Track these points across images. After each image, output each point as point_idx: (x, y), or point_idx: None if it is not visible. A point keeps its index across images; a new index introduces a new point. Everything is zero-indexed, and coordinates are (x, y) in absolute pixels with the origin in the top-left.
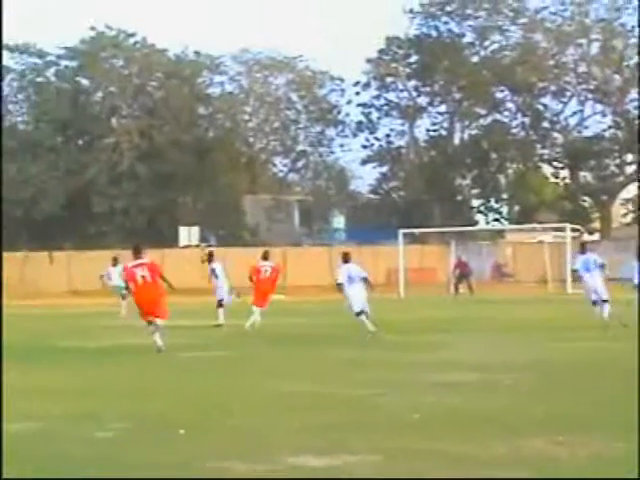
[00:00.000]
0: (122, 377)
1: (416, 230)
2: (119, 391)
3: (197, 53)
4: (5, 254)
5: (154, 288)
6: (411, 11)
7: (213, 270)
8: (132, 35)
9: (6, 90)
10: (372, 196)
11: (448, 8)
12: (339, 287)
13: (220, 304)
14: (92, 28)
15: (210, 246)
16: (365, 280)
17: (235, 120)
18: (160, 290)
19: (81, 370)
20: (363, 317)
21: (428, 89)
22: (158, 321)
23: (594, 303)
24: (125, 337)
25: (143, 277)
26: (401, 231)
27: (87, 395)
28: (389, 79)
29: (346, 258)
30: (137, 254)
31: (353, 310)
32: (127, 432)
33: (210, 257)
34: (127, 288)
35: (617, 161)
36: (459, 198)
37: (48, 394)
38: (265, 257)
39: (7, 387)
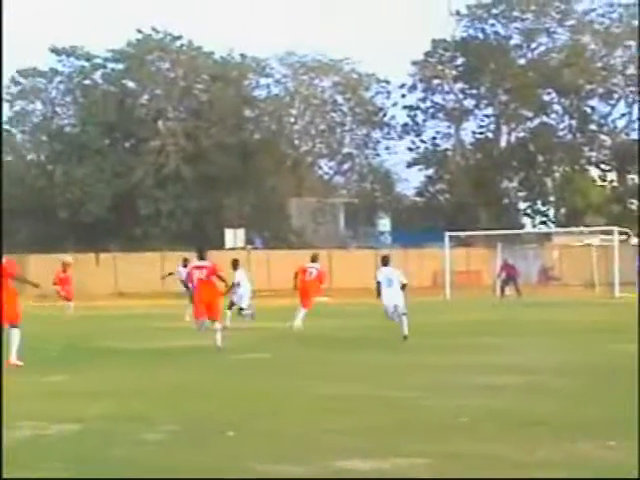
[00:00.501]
0: (171, 379)
1: (462, 233)
2: (168, 393)
3: (243, 55)
4: (52, 256)
5: (211, 290)
6: (457, 13)
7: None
8: (178, 38)
9: (53, 93)
10: (418, 199)
11: (495, 10)
12: (377, 288)
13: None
14: (139, 31)
15: (255, 249)
16: (404, 286)
17: (281, 122)
18: (217, 292)
19: (130, 372)
20: (401, 319)
21: (474, 91)
22: (216, 324)
23: None
24: (173, 339)
25: (200, 279)
26: (447, 234)
27: (136, 397)
28: (435, 81)
29: (385, 261)
30: (200, 256)
31: (390, 312)
32: (176, 434)
33: (235, 264)
34: (187, 288)
35: None
36: (505, 201)
37: (98, 395)
38: (314, 259)
39: (58, 389)
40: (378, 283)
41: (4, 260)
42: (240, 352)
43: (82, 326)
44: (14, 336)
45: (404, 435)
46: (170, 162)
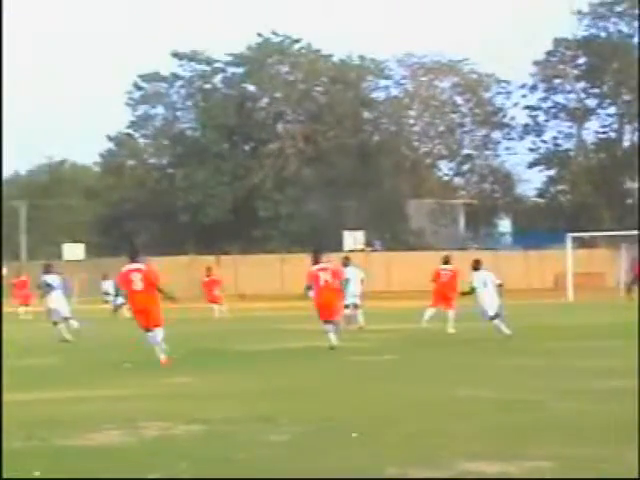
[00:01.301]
0: (294, 380)
1: (585, 234)
2: (292, 394)
3: (362, 57)
4: (172, 258)
5: (333, 291)
6: (579, 12)
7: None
8: (297, 41)
9: (174, 97)
10: (539, 200)
11: (618, 8)
12: (472, 292)
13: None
14: (259, 35)
15: (375, 250)
16: (500, 286)
17: (400, 124)
18: (337, 293)
19: (254, 373)
20: (498, 321)
21: (597, 90)
22: (334, 323)
23: None
24: (296, 340)
25: (326, 281)
26: (569, 235)
27: (261, 398)
28: (557, 81)
29: (476, 265)
30: (317, 259)
31: (487, 315)
32: (301, 436)
33: (345, 261)
34: (309, 289)
35: None
36: (629, 201)
37: (222, 397)
38: (446, 262)
39: (184, 390)
40: (473, 288)
41: (144, 266)
42: (364, 354)
43: (205, 328)
44: (161, 336)
45: (531, 438)
46: (289, 165)
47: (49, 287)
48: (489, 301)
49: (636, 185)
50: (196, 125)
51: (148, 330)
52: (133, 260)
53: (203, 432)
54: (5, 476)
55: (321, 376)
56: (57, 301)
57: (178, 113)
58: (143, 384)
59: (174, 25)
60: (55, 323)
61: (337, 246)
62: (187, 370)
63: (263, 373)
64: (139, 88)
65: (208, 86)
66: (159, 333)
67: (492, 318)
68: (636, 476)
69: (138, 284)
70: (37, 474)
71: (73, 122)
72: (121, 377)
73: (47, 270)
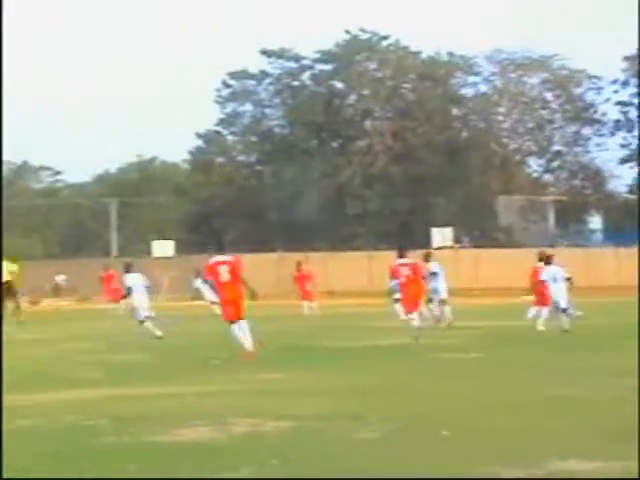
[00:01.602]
0: (384, 377)
1: None
2: (381, 391)
3: (450, 54)
4: (260, 255)
5: (416, 286)
6: None
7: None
8: (386, 38)
9: (263, 94)
10: (630, 196)
11: None
12: (541, 285)
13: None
14: (347, 32)
15: (463, 247)
16: (569, 280)
17: (489, 121)
18: (420, 289)
19: (343, 370)
20: (564, 316)
21: None
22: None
23: None
24: (384, 337)
25: (407, 276)
26: None
27: (350, 395)
28: None
29: (548, 260)
30: (401, 255)
31: (560, 307)
32: (391, 433)
33: (427, 257)
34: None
35: None
36: None
37: (312, 393)
38: (541, 259)
39: (274, 386)
40: (542, 281)
41: (230, 257)
42: (451, 351)
43: (295, 325)
44: (247, 327)
45: (621, 437)
46: (377, 162)
47: (129, 289)
48: (560, 294)
49: None
50: (284, 122)
51: (233, 322)
52: (220, 253)
53: (293, 429)
54: (5, 476)
55: (409, 373)
56: (138, 300)
57: (266, 110)
58: (232, 380)
59: (263, 23)
60: (142, 322)
61: (425, 243)
62: (276, 366)
63: (352, 370)
64: (228, 86)
65: (296, 83)
66: (245, 324)
67: (564, 310)
68: (636, 476)
69: (225, 275)
70: (132, 468)
71: (163, 120)
72: (210, 373)
73: (127, 269)
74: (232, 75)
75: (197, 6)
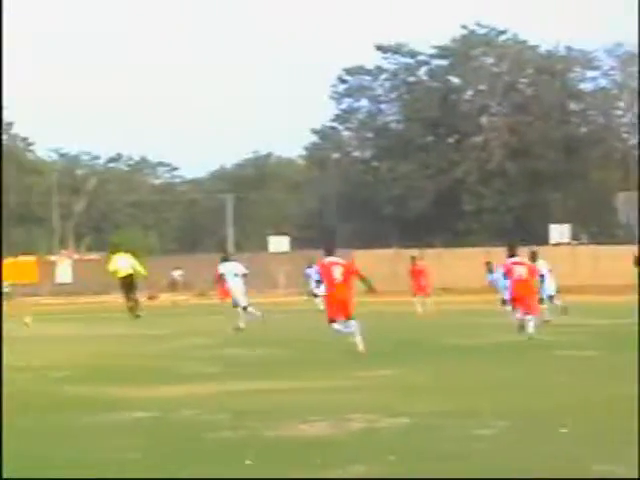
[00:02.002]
0: (498, 374)
1: None
2: (496, 388)
3: (569, 48)
4: (376, 251)
5: (528, 285)
6: None
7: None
8: (503, 32)
9: (379, 90)
10: None
11: None
12: None
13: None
14: (463, 27)
15: (581, 244)
16: None
17: (608, 115)
18: (532, 287)
19: (458, 367)
20: None
21: None
22: (529, 317)
23: None
24: (498, 334)
25: (520, 274)
26: None
27: (465, 392)
28: None
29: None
30: (512, 253)
31: None
32: (508, 430)
33: (533, 256)
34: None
35: None
36: None
37: (427, 390)
38: None
39: (389, 383)
40: None
41: (342, 260)
42: (568, 348)
43: (409, 321)
44: (357, 326)
45: None
46: (494, 157)
47: (222, 275)
48: None
49: None
50: (400, 118)
51: (334, 321)
52: (329, 254)
53: (408, 425)
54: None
55: (523, 370)
56: (233, 288)
57: (382, 106)
58: (347, 376)
59: (379, 18)
60: (244, 308)
61: (543, 240)
62: (391, 363)
63: (466, 366)
64: (343, 81)
65: (412, 79)
66: (354, 324)
67: None
68: (636, 476)
69: (338, 276)
70: (248, 462)
71: (279, 116)
72: (325, 369)
73: (224, 259)
74: (348, 71)
75: (313, 2)
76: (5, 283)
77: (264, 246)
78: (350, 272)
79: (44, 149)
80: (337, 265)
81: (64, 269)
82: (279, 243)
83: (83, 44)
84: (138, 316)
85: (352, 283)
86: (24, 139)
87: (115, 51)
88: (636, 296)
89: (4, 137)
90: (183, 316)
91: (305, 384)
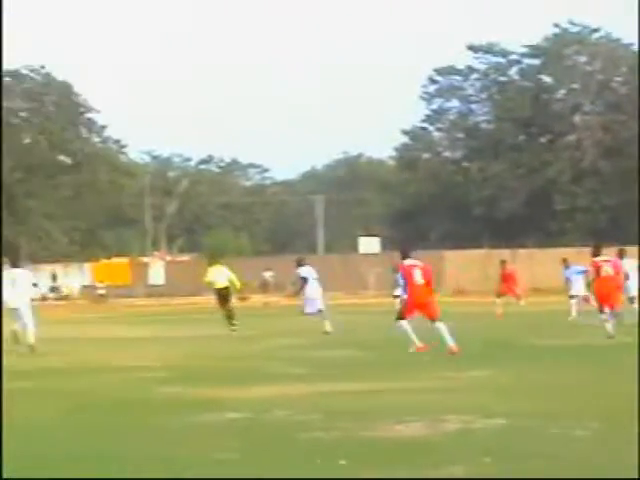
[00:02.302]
0: (591, 375)
1: None
2: (590, 389)
3: None
4: (467, 252)
5: (614, 281)
6: None
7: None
8: (596, 30)
9: (469, 90)
10: None
11: None
12: None
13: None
14: (555, 25)
15: None
16: None
17: None
18: (618, 283)
19: (552, 368)
20: None
21: None
22: (603, 315)
23: None
24: (589, 335)
25: (606, 272)
26: None
27: (559, 393)
28: None
29: None
30: (597, 253)
31: None
32: (605, 432)
33: (621, 254)
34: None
35: None
36: None
37: (521, 391)
38: None
39: (482, 383)
40: None
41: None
42: None
43: (502, 321)
44: (444, 327)
45: None
46: (587, 156)
47: (304, 280)
48: None
49: None
50: (491, 118)
51: (403, 319)
52: (405, 257)
53: (504, 426)
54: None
55: (617, 371)
56: (313, 293)
57: (473, 106)
58: (438, 377)
59: (470, 18)
60: (320, 311)
61: (637, 239)
62: (485, 363)
63: (560, 368)
64: (434, 82)
65: (504, 78)
66: (442, 325)
67: None
68: (636, 476)
69: (419, 279)
70: (342, 463)
71: (369, 117)
72: (417, 370)
73: (300, 263)
74: (438, 71)
75: (405, 3)
76: (100, 285)
77: (354, 247)
78: (429, 274)
79: (137, 151)
80: (416, 267)
81: (157, 271)
82: (369, 244)
83: (175, 47)
84: (234, 325)
85: (432, 285)
86: (117, 141)
87: (207, 53)
88: None
89: (97, 139)
90: (274, 317)
91: (397, 385)
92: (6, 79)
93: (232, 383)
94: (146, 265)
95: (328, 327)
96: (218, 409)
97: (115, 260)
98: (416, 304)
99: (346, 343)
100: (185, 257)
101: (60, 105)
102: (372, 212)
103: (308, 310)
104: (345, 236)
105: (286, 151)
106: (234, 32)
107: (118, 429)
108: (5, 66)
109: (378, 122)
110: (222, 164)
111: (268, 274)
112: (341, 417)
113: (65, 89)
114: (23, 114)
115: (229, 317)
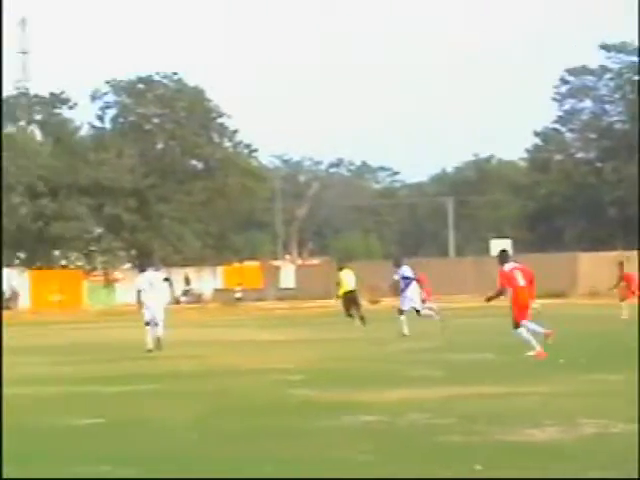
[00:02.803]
0: None
1: None
2: None
3: None
4: (600, 253)
5: None
6: None
7: None
8: None
9: (603, 90)
10: None
11: None
12: None
13: None
14: None
15: None
16: None
17: None
18: None
19: None
20: None
21: None
22: None
23: None
24: None
25: None
26: None
27: None
28: None
29: None
30: None
31: None
32: None
33: None
34: None
35: None
36: None
37: None
38: None
39: (614, 388)
40: None
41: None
42: None
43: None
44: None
45: None
46: None
47: (407, 279)
48: None
49: None
50: (625, 118)
51: (520, 325)
52: (505, 262)
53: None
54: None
55: None
56: (411, 293)
57: (606, 106)
58: (577, 380)
59: (602, 17)
60: (418, 312)
61: None
62: (620, 367)
63: None
64: (566, 82)
65: (638, 77)
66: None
67: None
68: (636, 476)
69: (521, 281)
70: (478, 467)
71: (500, 119)
72: (555, 373)
73: (398, 264)
74: (570, 71)
75: (535, 3)
76: (238, 288)
77: (485, 250)
78: (529, 277)
79: (267, 156)
80: (518, 270)
81: (288, 274)
82: (501, 246)
83: (304, 49)
84: (364, 323)
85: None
86: (247, 146)
87: (336, 54)
88: None
89: (228, 144)
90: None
91: (532, 388)
92: (139, 86)
93: (367, 386)
94: (277, 269)
95: (405, 330)
96: (353, 412)
97: (247, 264)
98: (520, 305)
99: (481, 346)
100: (315, 261)
101: (192, 111)
102: (504, 214)
103: (405, 307)
104: (476, 238)
105: (416, 154)
106: (363, 33)
107: (252, 432)
108: (138, 73)
109: (509, 124)
110: (352, 167)
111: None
112: (477, 421)
113: (197, 95)
114: (156, 120)
115: (361, 318)
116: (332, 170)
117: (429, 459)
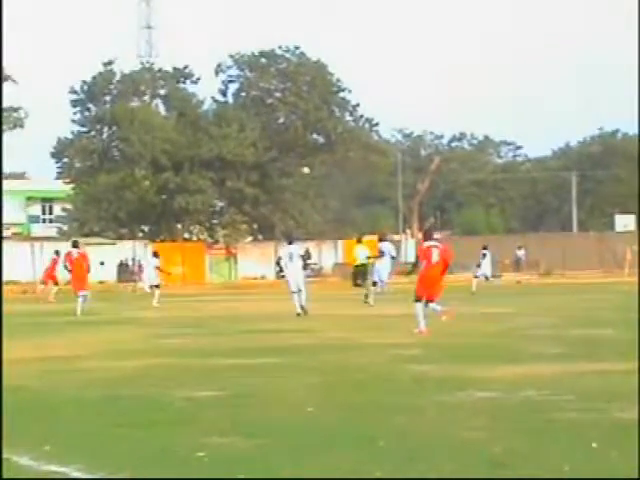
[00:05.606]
0: None
1: None
2: None
3: None
4: None
5: None
6: None
7: None
8: None
9: None
10: None
11: None
12: None
13: None
14: None
15: None
16: None
17: None
18: None
19: None
20: None
21: None
22: None
23: None
24: None
25: None
26: None
27: None
28: None
29: None
30: None
31: None
32: None
33: None
34: None
35: None
36: None
37: None
38: None
39: None
40: None
41: None
42: None
43: None
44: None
45: None
46: None
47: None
48: None
49: None
50: None
51: (418, 300)
52: (426, 240)
53: None
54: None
55: None
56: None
57: None
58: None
59: None
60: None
61: None
62: None
63: None
64: None
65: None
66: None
67: None
68: (636, 476)
69: (435, 257)
70: (594, 445)
71: (626, 93)
72: None
73: (382, 238)
74: None
75: None
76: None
77: (609, 225)
78: (448, 257)
79: (389, 130)
80: (436, 248)
81: (409, 249)
82: (625, 222)
83: (422, 25)
84: (367, 302)
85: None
86: (369, 120)
87: (454, 26)
88: None
89: (349, 118)
90: (526, 295)
91: None
92: (262, 60)
93: (482, 362)
94: (398, 243)
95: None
96: (466, 388)
97: (367, 238)
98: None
99: (602, 322)
100: (436, 235)
101: (314, 85)
102: (628, 189)
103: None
104: (600, 214)
105: (539, 128)
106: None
107: (365, 406)
108: (261, 47)
109: (635, 97)
110: (474, 141)
111: (521, 252)
112: (596, 398)
113: (319, 69)
114: (278, 94)
115: (367, 295)
116: (454, 144)
117: (542, 436)
